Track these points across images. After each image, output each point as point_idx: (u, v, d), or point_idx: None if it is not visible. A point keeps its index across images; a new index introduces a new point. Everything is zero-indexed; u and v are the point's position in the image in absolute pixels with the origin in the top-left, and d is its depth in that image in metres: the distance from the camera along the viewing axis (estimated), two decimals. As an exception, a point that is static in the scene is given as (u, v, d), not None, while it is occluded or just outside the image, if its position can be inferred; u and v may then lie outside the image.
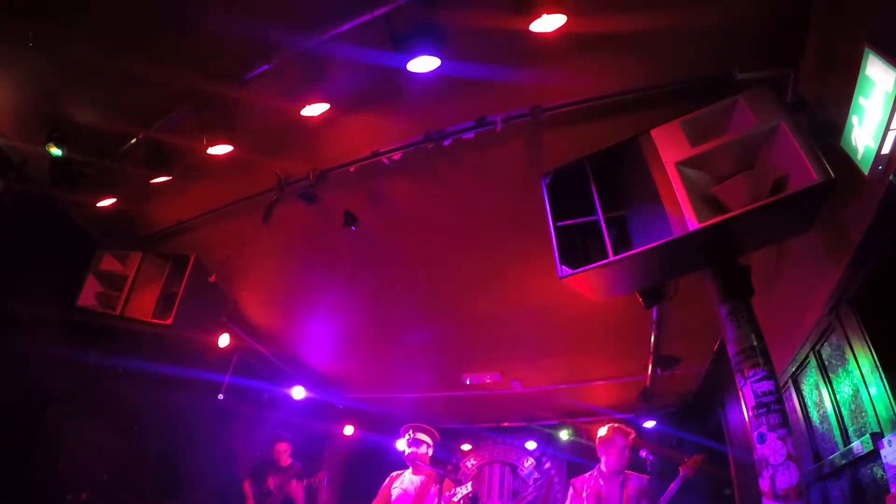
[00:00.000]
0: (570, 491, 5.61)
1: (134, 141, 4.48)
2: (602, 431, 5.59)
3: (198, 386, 6.86)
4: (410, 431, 5.46)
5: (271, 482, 6.76)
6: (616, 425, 5.62)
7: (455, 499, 4.92)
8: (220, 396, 7.03)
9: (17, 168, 4.69)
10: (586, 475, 5.60)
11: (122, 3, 3.55)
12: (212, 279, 5.75)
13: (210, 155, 4.18)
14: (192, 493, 7.12)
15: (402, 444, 5.47)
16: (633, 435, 5.54)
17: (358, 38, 3.57)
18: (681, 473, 5.44)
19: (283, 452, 7.12)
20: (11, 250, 5.03)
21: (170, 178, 4.59)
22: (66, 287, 5.44)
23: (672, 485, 5.35)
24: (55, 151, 4.33)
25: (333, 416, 9.76)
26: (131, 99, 4.25)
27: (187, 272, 5.41)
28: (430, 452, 5.47)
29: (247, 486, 6.74)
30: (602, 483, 5.42)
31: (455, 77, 3.71)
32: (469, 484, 4.90)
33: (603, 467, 5.51)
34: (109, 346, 5.75)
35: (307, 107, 3.89)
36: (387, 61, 3.51)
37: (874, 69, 2.39)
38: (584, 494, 5.43)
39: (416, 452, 5.35)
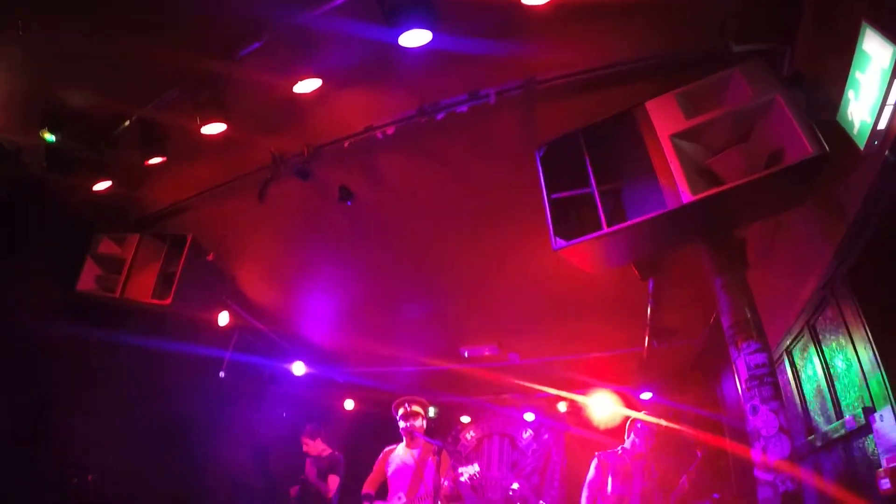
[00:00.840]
0: (595, 462, 5.79)
1: (127, 123, 4.43)
2: (636, 415, 5.81)
3: (199, 364, 6.91)
4: (406, 404, 5.48)
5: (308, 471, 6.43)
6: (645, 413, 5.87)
7: (462, 479, 4.97)
8: (222, 374, 7.07)
9: (11, 155, 4.67)
10: (612, 451, 5.83)
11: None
12: (210, 258, 5.75)
13: (204, 134, 4.15)
14: (197, 472, 7.21)
15: (398, 418, 5.50)
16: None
17: (349, 12, 3.52)
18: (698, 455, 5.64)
19: (307, 444, 6.81)
20: (9, 237, 5.03)
21: (164, 159, 4.54)
22: (65, 271, 5.47)
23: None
24: (49, 137, 4.30)
25: (334, 390, 9.83)
26: (123, 81, 4.20)
27: (185, 252, 5.42)
28: (425, 424, 5.52)
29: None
30: (629, 462, 5.58)
31: (447, 50, 3.65)
32: (476, 465, 4.95)
33: (627, 446, 5.68)
34: (111, 328, 5.78)
35: (300, 83, 3.84)
36: (379, 35, 3.46)
37: (871, 44, 2.36)
38: (610, 471, 5.58)
39: (413, 425, 5.38)
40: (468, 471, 4.88)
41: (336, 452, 6.54)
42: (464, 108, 4.23)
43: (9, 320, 4.95)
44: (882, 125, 2.39)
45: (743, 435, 5.29)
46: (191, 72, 3.97)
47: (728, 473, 6.78)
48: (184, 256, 5.39)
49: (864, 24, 2.36)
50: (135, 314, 5.71)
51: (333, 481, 6.17)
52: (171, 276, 5.37)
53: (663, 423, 5.83)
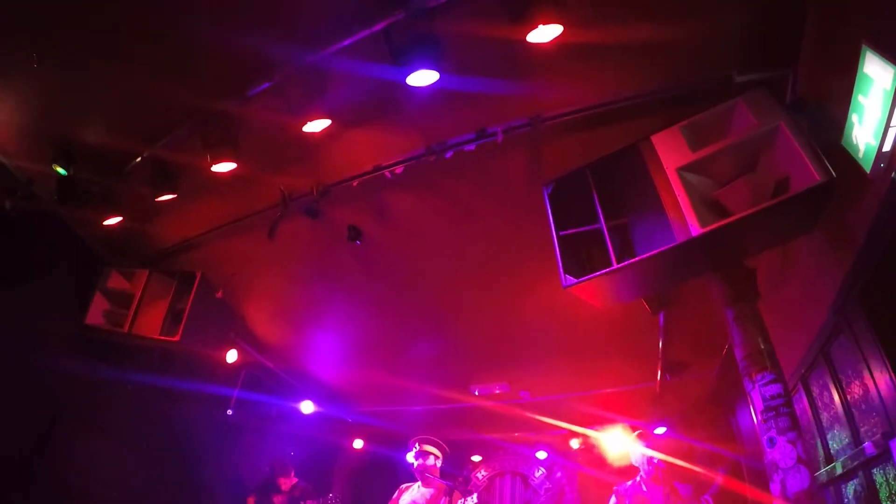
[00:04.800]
0: (613, 498, 5.73)
1: (139, 160, 4.52)
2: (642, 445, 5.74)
3: (206, 401, 6.88)
4: (417, 444, 5.47)
5: (277, 500, 6.74)
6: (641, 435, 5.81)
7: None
8: (230, 412, 7.04)
9: (23, 187, 4.73)
10: (629, 483, 5.76)
11: (125, 24, 3.59)
12: (219, 295, 5.78)
13: (214, 172, 4.21)
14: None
15: (409, 457, 5.48)
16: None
17: (358, 53, 3.60)
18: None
19: (289, 478, 7.14)
20: (20, 267, 5.08)
21: (174, 195, 4.60)
22: (74, 303, 5.50)
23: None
24: (61, 170, 4.38)
25: (343, 429, 9.73)
26: (136, 118, 4.29)
27: (194, 289, 5.46)
28: (439, 464, 5.47)
29: (251, 503, 6.69)
30: (646, 490, 5.50)
31: (454, 90, 3.71)
32: (475, 495, 4.90)
33: (643, 475, 5.61)
34: (118, 362, 5.78)
35: (309, 123, 3.90)
36: (387, 75, 3.52)
37: (872, 66, 2.39)
38: (627, 501, 5.52)
39: (424, 464, 5.34)
40: (468, 502, 4.82)
41: (302, 482, 6.83)
42: (472, 147, 4.28)
43: (16, 348, 4.96)
44: (887, 147, 2.40)
45: (759, 469, 5.20)
46: (202, 110, 4.06)
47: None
48: (193, 293, 5.43)
49: (864, 46, 2.40)
50: (143, 349, 5.71)
51: None
52: (179, 313, 5.40)
53: (670, 459, 5.75)
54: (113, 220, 4.92)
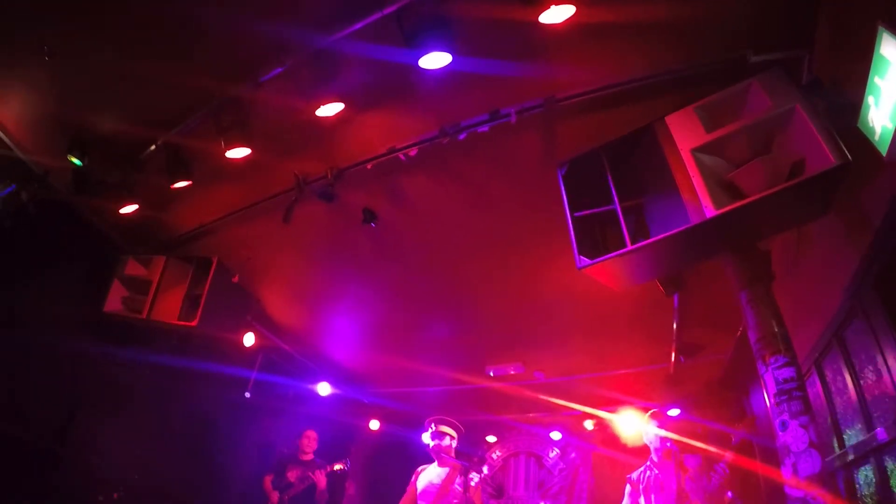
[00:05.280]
0: (628, 487, 5.76)
1: (153, 147, 4.56)
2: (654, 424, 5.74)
3: (225, 384, 6.99)
4: (433, 424, 5.53)
5: (292, 475, 6.82)
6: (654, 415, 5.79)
7: (472, 483, 5.03)
8: (247, 394, 7.14)
9: (39, 179, 4.79)
10: (640, 469, 5.77)
11: (136, 12, 3.60)
12: (235, 280, 5.84)
13: (228, 158, 4.24)
14: (221, 491, 7.25)
15: (426, 437, 5.55)
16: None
17: (370, 36, 3.59)
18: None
19: (312, 439, 7.16)
20: (39, 257, 5.17)
21: (189, 182, 4.64)
22: (93, 291, 5.59)
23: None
24: (76, 161, 4.42)
25: (359, 410, 9.85)
26: (149, 106, 4.33)
27: (210, 274, 5.53)
28: (455, 444, 5.53)
29: (268, 483, 6.76)
30: (657, 471, 5.52)
31: (467, 72, 3.70)
32: (484, 468, 4.98)
33: (654, 457, 5.63)
34: (137, 347, 5.88)
35: (322, 107, 3.90)
36: (399, 58, 3.52)
37: (889, 48, 2.34)
38: (641, 487, 5.54)
39: (440, 445, 5.41)
40: (476, 477, 4.95)
41: (319, 459, 7.03)
42: (485, 128, 4.25)
43: (36, 338, 5.07)
44: (904, 130, 2.37)
45: (772, 451, 5.20)
46: (215, 96, 4.08)
47: (759, 490, 6.64)
48: (210, 278, 5.50)
49: (880, 28, 2.34)
50: (161, 334, 5.81)
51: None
52: (197, 298, 5.48)
53: (683, 439, 5.76)
54: (129, 209, 4.98)
